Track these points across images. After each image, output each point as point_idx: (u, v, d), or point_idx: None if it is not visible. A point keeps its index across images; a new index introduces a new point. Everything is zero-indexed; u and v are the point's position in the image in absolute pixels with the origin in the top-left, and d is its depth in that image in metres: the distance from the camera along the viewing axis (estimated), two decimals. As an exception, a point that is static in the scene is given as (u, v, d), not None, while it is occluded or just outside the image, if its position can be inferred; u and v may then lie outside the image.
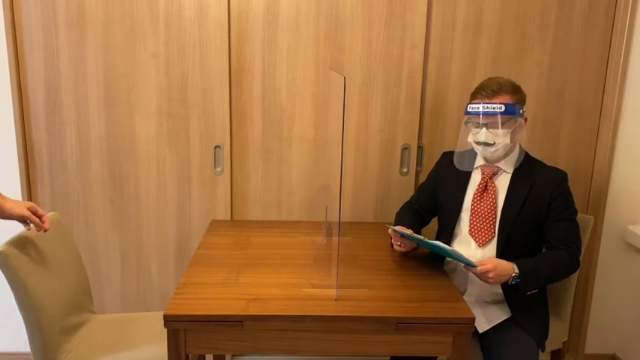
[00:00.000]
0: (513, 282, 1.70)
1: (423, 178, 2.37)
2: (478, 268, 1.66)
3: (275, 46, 2.23)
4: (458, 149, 1.96)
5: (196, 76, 2.23)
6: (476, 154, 1.93)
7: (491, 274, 1.65)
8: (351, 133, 2.33)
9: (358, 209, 2.40)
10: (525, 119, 1.84)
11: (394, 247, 1.92)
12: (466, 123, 1.86)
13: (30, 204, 1.61)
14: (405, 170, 2.36)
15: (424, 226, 2.10)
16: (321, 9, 2.20)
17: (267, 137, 2.32)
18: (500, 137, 1.78)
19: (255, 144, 2.32)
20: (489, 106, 1.76)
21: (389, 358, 2.10)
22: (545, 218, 1.81)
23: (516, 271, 1.69)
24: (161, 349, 1.74)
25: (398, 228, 1.84)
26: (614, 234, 2.45)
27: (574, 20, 2.27)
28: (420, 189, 2.11)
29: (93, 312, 1.95)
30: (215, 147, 2.30)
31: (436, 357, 1.91)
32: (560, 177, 1.82)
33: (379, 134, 2.33)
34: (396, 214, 2.10)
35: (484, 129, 1.79)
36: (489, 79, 1.84)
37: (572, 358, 2.58)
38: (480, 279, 1.70)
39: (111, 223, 2.35)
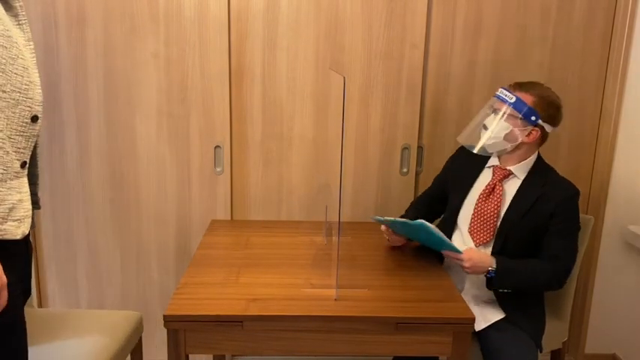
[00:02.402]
0: (488, 275, 1.73)
1: (423, 178, 2.37)
2: (457, 255, 1.73)
3: (275, 45, 2.23)
4: (467, 128, 1.92)
5: (196, 76, 2.23)
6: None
7: (466, 264, 1.71)
8: (351, 133, 2.33)
9: (358, 209, 2.40)
10: (537, 132, 1.77)
11: (386, 241, 1.98)
12: (487, 105, 1.88)
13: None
14: (405, 170, 2.36)
15: (437, 216, 2.09)
16: (321, 9, 2.21)
17: (267, 137, 2.32)
18: (498, 127, 1.78)
19: (255, 144, 2.32)
20: (504, 92, 1.79)
21: (391, 358, 2.10)
22: (546, 230, 1.79)
23: (493, 266, 1.71)
24: (89, 345, 1.70)
25: (379, 217, 1.89)
26: (614, 234, 2.45)
27: (574, 20, 2.27)
28: (435, 179, 2.12)
29: (31, 306, 1.94)
30: (215, 147, 2.30)
31: (437, 357, 1.92)
32: (569, 193, 1.77)
33: (379, 134, 2.33)
34: (411, 203, 2.15)
35: (493, 114, 1.82)
36: (536, 82, 1.84)
37: (572, 358, 2.58)
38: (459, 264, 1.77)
39: (111, 223, 2.35)
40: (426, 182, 2.37)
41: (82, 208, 2.33)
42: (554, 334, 1.95)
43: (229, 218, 2.37)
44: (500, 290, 1.79)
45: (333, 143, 2.34)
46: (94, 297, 2.41)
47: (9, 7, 1.27)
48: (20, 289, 1.33)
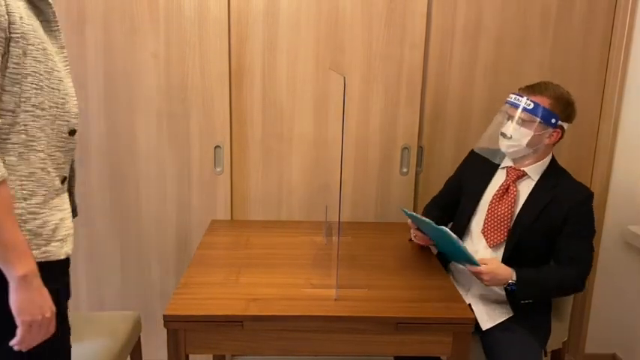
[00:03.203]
0: (509, 288, 1.71)
1: (423, 178, 2.37)
2: (476, 268, 1.68)
3: (275, 46, 2.23)
4: (483, 137, 1.91)
5: (196, 76, 2.23)
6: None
7: (486, 277, 1.69)
8: (351, 133, 2.33)
9: (358, 209, 2.40)
10: (558, 133, 1.76)
11: (412, 238, 1.96)
12: (500, 112, 1.84)
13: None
14: (405, 170, 2.36)
15: (450, 220, 2.09)
16: (321, 9, 2.21)
17: (267, 137, 2.32)
18: (519, 134, 1.75)
19: (255, 144, 2.32)
20: (521, 99, 1.75)
21: (392, 358, 2.10)
22: (559, 232, 1.77)
23: (514, 278, 1.70)
24: (89, 348, 1.70)
25: (407, 210, 1.86)
26: (614, 234, 2.45)
27: (574, 20, 2.27)
28: (447, 183, 2.11)
29: None
30: (215, 147, 2.30)
31: (438, 357, 1.91)
32: (583, 195, 1.76)
33: (379, 134, 2.33)
34: (424, 207, 2.14)
35: (509, 121, 1.78)
36: (545, 81, 1.80)
37: (572, 358, 2.58)
38: (476, 277, 1.73)
39: (111, 223, 2.35)
40: (426, 182, 2.37)
41: (82, 208, 2.33)
42: (554, 334, 1.95)
43: (229, 218, 2.36)
44: (523, 302, 1.76)
45: (333, 143, 2.34)
46: (94, 297, 2.41)
47: (40, 13, 1.21)
48: (67, 294, 1.33)
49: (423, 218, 1.78)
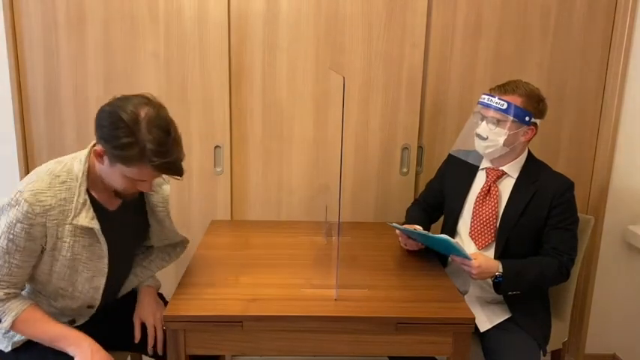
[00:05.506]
0: (496, 280, 1.71)
1: (423, 178, 2.37)
2: (466, 262, 1.68)
3: (275, 46, 2.23)
4: (459, 139, 1.93)
5: (196, 76, 2.23)
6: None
7: (474, 271, 1.67)
8: (351, 133, 2.33)
9: (358, 209, 2.40)
10: (532, 130, 1.78)
11: (402, 245, 1.94)
12: (474, 114, 1.85)
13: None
14: (405, 170, 2.36)
15: (433, 222, 2.10)
16: (321, 9, 2.20)
17: (267, 137, 2.32)
18: (494, 135, 1.76)
19: (255, 144, 2.32)
20: (493, 99, 1.76)
21: (387, 358, 2.10)
22: (544, 225, 1.79)
23: (500, 270, 1.70)
24: None
25: (396, 224, 1.85)
26: (614, 234, 2.44)
27: (574, 20, 2.27)
28: (428, 186, 2.12)
29: None
30: (215, 147, 2.30)
31: (434, 357, 1.92)
32: (564, 185, 1.78)
33: (379, 134, 2.33)
34: (407, 210, 2.12)
35: (484, 122, 1.79)
36: (515, 80, 1.81)
37: (572, 358, 2.58)
38: (465, 270, 1.73)
39: (111, 223, 2.35)
40: (426, 182, 2.37)
41: (82, 208, 2.33)
42: (554, 334, 1.95)
43: (229, 218, 2.36)
44: (510, 293, 1.77)
45: (333, 143, 2.34)
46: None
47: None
48: None
49: (419, 232, 1.78)
